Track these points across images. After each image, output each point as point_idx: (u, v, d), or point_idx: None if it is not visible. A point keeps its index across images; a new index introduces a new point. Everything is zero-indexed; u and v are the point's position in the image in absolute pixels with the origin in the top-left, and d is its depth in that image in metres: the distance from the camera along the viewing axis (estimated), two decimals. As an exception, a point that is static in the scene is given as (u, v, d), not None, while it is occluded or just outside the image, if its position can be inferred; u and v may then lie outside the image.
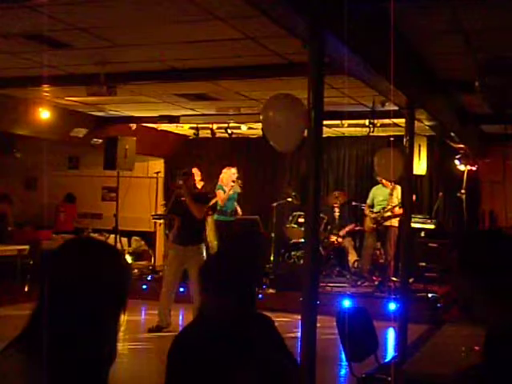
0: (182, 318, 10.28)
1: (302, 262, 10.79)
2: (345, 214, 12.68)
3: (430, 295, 10.26)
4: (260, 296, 10.05)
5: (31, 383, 1.79)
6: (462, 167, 12.15)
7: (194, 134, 13.15)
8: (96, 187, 15.36)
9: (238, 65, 7.92)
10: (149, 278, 11.92)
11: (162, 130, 13.43)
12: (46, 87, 9.51)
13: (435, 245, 11.67)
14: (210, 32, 6.47)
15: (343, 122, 11.30)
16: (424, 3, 5.22)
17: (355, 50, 4.87)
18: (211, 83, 8.92)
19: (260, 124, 8.23)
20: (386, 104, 8.98)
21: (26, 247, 12.08)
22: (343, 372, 7.36)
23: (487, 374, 2.19)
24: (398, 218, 11.28)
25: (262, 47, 6.97)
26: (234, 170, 11.51)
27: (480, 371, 2.21)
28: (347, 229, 12.40)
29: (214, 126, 12.78)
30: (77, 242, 2.07)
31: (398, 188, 11.32)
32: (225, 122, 12.34)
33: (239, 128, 12.70)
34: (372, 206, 11.69)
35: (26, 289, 11.02)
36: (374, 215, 11.49)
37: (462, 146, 11.46)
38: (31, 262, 11.77)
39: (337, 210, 12.27)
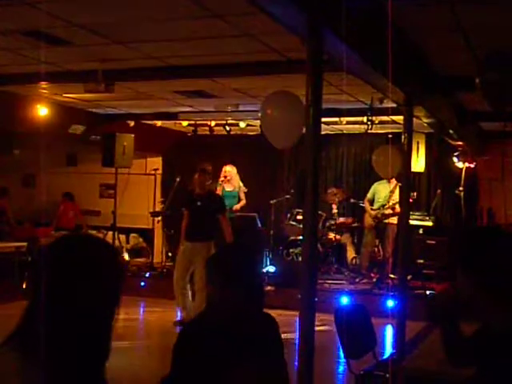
0: (179, 315, 10.29)
1: (300, 258, 10.81)
2: (343, 212, 12.68)
3: (428, 292, 10.27)
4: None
5: (27, 382, 1.78)
6: (460, 164, 12.16)
7: (193, 131, 13.16)
8: (94, 184, 15.35)
9: (236, 62, 7.91)
10: (147, 275, 11.92)
11: (160, 127, 13.42)
12: (43, 84, 9.50)
13: (433, 242, 11.69)
14: (208, 29, 6.46)
15: (341, 119, 11.30)
16: (422, 0, 5.22)
17: (354, 47, 4.87)
18: (209, 80, 8.92)
19: (258, 121, 8.25)
20: (384, 101, 8.97)
21: (24, 244, 12.07)
22: (341, 369, 7.37)
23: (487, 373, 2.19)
24: (397, 216, 11.28)
25: (261, 44, 6.97)
26: (227, 168, 11.50)
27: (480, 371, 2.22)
28: (342, 220, 12.38)
29: (213, 123, 12.79)
30: (73, 238, 2.06)
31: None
32: (223, 119, 12.34)
33: (237, 125, 12.70)
34: (372, 202, 11.67)
35: (24, 286, 11.02)
36: (374, 212, 11.49)
37: (460, 143, 11.47)
38: (29, 260, 11.76)
39: (335, 207, 12.27)
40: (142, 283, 11.63)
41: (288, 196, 12.26)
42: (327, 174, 13.87)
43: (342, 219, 12.36)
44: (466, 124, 10.81)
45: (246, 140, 13.89)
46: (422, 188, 13.34)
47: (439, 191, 12.41)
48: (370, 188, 11.90)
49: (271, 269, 11.49)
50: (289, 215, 12.51)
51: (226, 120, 12.33)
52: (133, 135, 12.33)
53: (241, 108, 11.13)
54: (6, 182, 14.50)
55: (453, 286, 2.53)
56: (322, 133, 4.56)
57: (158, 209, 13.32)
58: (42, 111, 10.87)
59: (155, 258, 13.15)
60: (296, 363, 4.03)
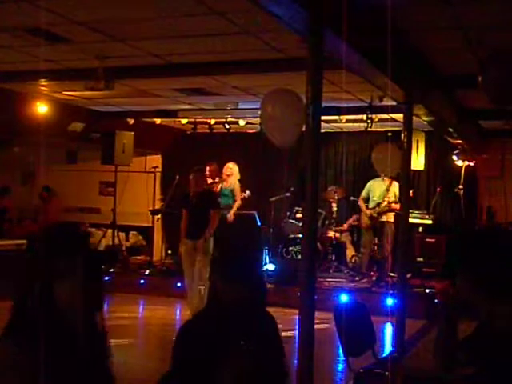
0: (179, 312, 10.30)
1: (299, 256, 10.81)
2: (343, 209, 12.68)
3: (427, 290, 10.28)
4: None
5: (23, 373, 1.80)
6: (459, 162, 12.17)
7: (192, 128, 13.15)
8: (94, 182, 15.35)
9: (236, 59, 7.91)
10: (146, 273, 11.92)
11: (159, 125, 13.41)
12: (43, 81, 9.49)
13: (433, 240, 11.69)
14: (208, 26, 6.45)
15: (341, 117, 11.29)
16: (422, -1, 5.22)
17: (354, 45, 4.88)
18: (209, 78, 8.91)
19: (258, 119, 8.25)
20: (384, 99, 8.98)
21: (24, 242, 12.06)
22: (341, 367, 7.37)
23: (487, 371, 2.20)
24: (393, 213, 11.29)
25: (261, 42, 6.96)
26: (230, 165, 11.48)
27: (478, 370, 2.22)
28: (350, 221, 12.41)
29: (212, 121, 12.78)
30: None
31: (396, 184, 11.32)
32: (223, 117, 12.34)
33: (237, 123, 12.69)
34: (367, 200, 11.65)
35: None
36: (369, 212, 11.47)
37: (459, 141, 11.47)
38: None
39: (334, 205, 12.27)
40: (142, 281, 11.63)
41: (288, 194, 12.25)
42: (327, 172, 13.86)
43: (350, 220, 12.37)
44: (466, 122, 10.82)
45: (246, 138, 13.89)
46: (421, 186, 13.33)
47: (439, 189, 12.41)
48: (366, 185, 11.86)
49: (271, 267, 11.49)
50: (288, 213, 12.51)
51: (226, 118, 12.32)
52: (132, 133, 12.34)
53: (240, 106, 11.13)
54: (5, 179, 14.50)
55: (452, 284, 2.53)
56: (322, 131, 4.57)
57: (157, 206, 13.32)
58: (42, 109, 10.87)
59: (155, 255, 13.15)
60: (296, 361, 4.04)
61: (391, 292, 9.75)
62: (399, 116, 8.92)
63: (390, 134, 11.65)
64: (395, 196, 11.24)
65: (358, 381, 5.47)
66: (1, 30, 6.84)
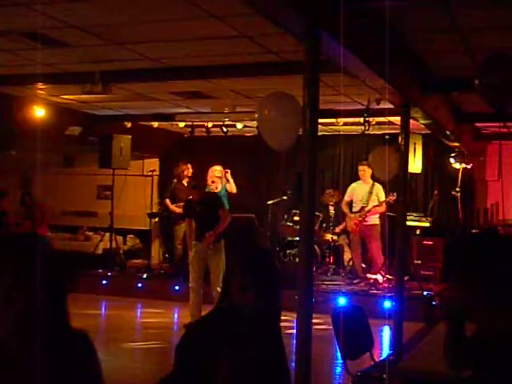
0: (176, 316, 10.29)
1: (297, 259, 10.82)
2: (340, 213, 12.67)
3: (425, 293, 10.28)
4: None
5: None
6: (457, 165, 12.18)
7: (189, 132, 13.15)
8: (91, 185, 15.34)
9: (233, 63, 7.92)
10: (144, 277, 11.91)
11: (157, 128, 13.41)
12: (41, 85, 9.49)
13: (430, 243, 11.71)
14: (205, 30, 6.46)
15: (338, 120, 11.30)
16: (420, 1, 5.23)
17: (351, 48, 4.88)
18: (206, 81, 8.92)
19: (255, 122, 8.25)
20: (381, 102, 8.98)
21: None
22: (338, 370, 7.36)
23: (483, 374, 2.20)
24: (378, 216, 11.32)
25: (258, 45, 6.97)
26: (216, 167, 11.38)
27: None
28: (340, 227, 12.39)
29: (210, 124, 12.78)
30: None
31: (378, 186, 11.35)
32: (220, 120, 12.34)
33: (234, 126, 12.69)
34: (351, 204, 11.65)
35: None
36: (353, 215, 11.46)
37: (457, 144, 11.48)
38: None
39: (332, 208, 12.27)
40: (139, 284, 11.62)
41: (285, 197, 12.25)
42: (324, 175, 13.87)
43: (339, 227, 12.35)
44: (463, 125, 10.83)
45: (243, 141, 13.89)
46: (418, 189, 13.36)
47: (436, 192, 12.42)
48: (348, 189, 11.86)
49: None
50: (286, 216, 12.51)
51: (223, 121, 12.32)
52: (130, 136, 12.33)
53: (238, 109, 11.13)
54: (3, 183, 14.49)
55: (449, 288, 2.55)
56: (319, 134, 4.57)
57: (155, 210, 13.32)
58: (39, 112, 10.86)
59: (152, 259, 13.15)
60: (293, 364, 4.03)
61: (389, 295, 9.75)
62: (396, 119, 8.94)
63: (387, 137, 11.66)
64: (378, 199, 11.27)
65: (355, 384, 5.47)
66: (-2, 33, 6.85)
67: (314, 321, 4.37)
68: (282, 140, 6.33)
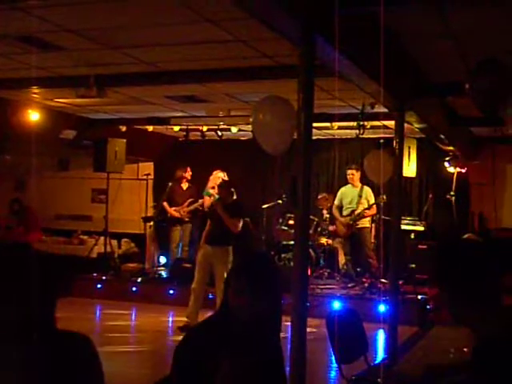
0: (171, 320, 10.28)
1: (292, 263, 10.81)
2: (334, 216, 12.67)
3: (419, 297, 10.29)
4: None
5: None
6: (451, 169, 12.21)
7: (184, 135, 13.15)
8: (86, 189, 15.31)
9: (228, 67, 7.92)
10: (138, 281, 11.89)
11: (151, 132, 13.41)
12: (35, 89, 9.48)
13: (425, 246, 11.72)
14: (200, 34, 6.47)
15: (333, 124, 11.32)
16: (414, 6, 5.24)
17: (346, 52, 4.89)
18: (201, 85, 8.92)
19: (250, 126, 8.24)
20: (376, 106, 9.00)
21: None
22: (333, 374, 7.36)
23: (476, 375, 2.21)
24: (369, 219, 11.34)
25: (253, 49, 6.98)
26: (220, 174, 11.41)
27: (467, 374, 2.24)
28: (333, 228, 12.39)
29: (204, 128, 12.78)
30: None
31: (367, 189, 11.38)
32: (215, 124, 12.34)
33: (229, 130, 12.69)
34: (341, 208, 11.68)
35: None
36: (343, 219, 11.48)
37: (451, 148, 11.51)
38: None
39: (326, 212, 12.28)
40: (134, 288, 11.60)
41: (280, 201, 12.26)
42: (319, 179, 13.88)
43: (332, 227, 12.33)
44: (457, 129, 10.86)
45: (238, 145, 13.89)
46: (413, 193, 13.38)
47: (431, 196, 12.44)
48: (337, 193, 11.88)
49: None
50: (281, 220, 12.51)
51: (218, 125, 12.33)
52: (124, 140, 12.33)
53: (232, 113, 11.14)
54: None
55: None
56: (314, 138, 4.58)
57: (149, 214, 13.30)
58: (34, 116, 10.85)
59: (147, 263, 13.12)
60: (288, 368, 4.03)
61: (383, 298, 9.76)
62: (391, 123, 8.95)
63: (381, 140, 11.68)
64: (368, 202, 11.30)
65: (350, 388, 5.47)
66: (-8, 37, 6.84)
67: (308, 325, 4.37)
68: (277, 144, 6.33)
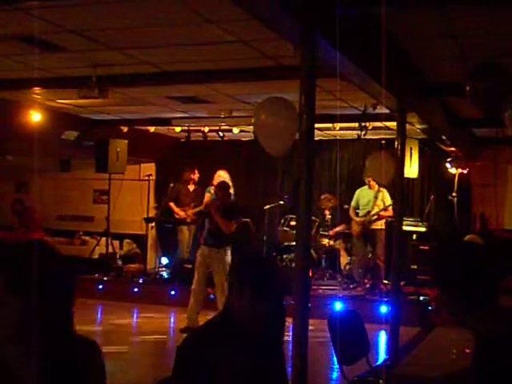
0: (173, 320, 10.28)
1: (293, 264, 10.81)
2: (336, 217, 12.67)
3: (421, 298, 10.28)
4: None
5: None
6: (453, 170, 12.20)
7: (186, 136, 13.15)
8: (87, 190, 15.32)
9: (229, 68, 7.92)
10: (140, 281, 11.89)
11: (153, 133, 13.41)
12: (37, 90, 9.49)
13: (426, 247, 11.70)
14: (202, 35, 6.46)
15: (335, 125, 11.31)
16: (415, 8, 5.24)
17: (347, 53, 4.89)
18: (203, 86, 8.92)
19: (252, 127, 8.24)
20: (378, 107, 9.00)
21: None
22: (335, 375, 7.36)
23: (478, 376, 2.21)
24: (384, 220, 11.33)
25: (254, 50, 6.98)
26: (221, 173, 11.48)
27: (469, 375, 2.24)
28: (337, 229, 12.39)
29: (206, 129, 12.79)
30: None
31: (384, 191, 11.36)
32: (216, 125, 12.35)
33: (231, 131, 12.70)
34: (357, 208, 11.69)
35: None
36: (359, 219, 11.49)
37: (453, 149, 11.50)
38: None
39: (328, 212, 12.27)
40: (136, 289, 11.61)
41: (282, 202, 12.26)
42: (321, 180, 13.87)
43: (337, 228, 12.34)
44: (459, 130, 10.85)
45: (240, 146, 13.90)
46: (415, 194, 13.37)
47: (432, 197, 12.44)
48: (354, 194, 11.90)
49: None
50: (282, 221, 12.51)
51: (220, 126, 12.33)
52: (126, 141, 12.33)
53: (234, 114, 11.14)
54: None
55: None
56: (316, 138, 4.58)
57: (151, 215, 13.31)
58: (36, 117, 10.85)
59: (148, 263, 13.13)
60: (290, 369, 4.03)
61: (385, 300, 9.76)
62: (393, 124, 8.95)
63: (383, 141, 11.68)
64: (384, 203, 11.28)
65: (352, 389, 5.47)
66: (-6, 38, 6.85)
67: (310, 326, 4.37)
68: (279, 145, 6.33)
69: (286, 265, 11.86)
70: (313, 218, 10.38)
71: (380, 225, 11.35)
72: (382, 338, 8.87)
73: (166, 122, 12.37)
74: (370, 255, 11.54)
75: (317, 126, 5.38)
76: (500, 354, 2.23)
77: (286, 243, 12.14)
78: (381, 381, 5.64)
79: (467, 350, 4.53)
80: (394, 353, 7.26)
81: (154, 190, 13.93)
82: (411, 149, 11.36)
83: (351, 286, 11.43)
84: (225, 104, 10.43)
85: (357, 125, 10.66)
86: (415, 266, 11.41)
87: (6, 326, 1.81)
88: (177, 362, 2.78)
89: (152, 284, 11.87)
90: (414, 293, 10.42)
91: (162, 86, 8.89)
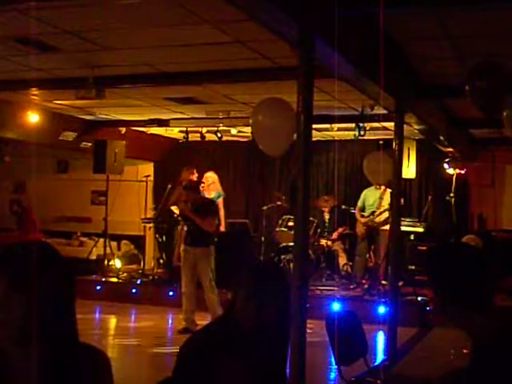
0: (170, 321, 10.27)
1: (291, 265, 10.82)
2: (334, 218, 12.67)
3: (419, 298, 10.28)
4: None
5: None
6: (450, 171, 12.21)
7: (184, 137, 13.14)
8: (85, 191, 15.30)
9: (227, 68, 7.92)
10: (138, 282, 11.89)
11: (151, 134, 13.41)
12: (34, 91, 9.48)
13: (424, 248, 11.70)
14: (199, 36, 6.47)
15: (333, 125, 11.31)
16: (413, 9, 5.25)
17: (345, 54, 4.89)
18: (201, 87, 8.92)
19: (250, 127, 8.25)
20: (375, 107, 9.00)
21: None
22: (333, 375, 7.36)
23: (474, 378, 2.21)
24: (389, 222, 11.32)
25: (252, 51, 6.98)
26: (209, 174, 11.53)
27: (467, 375, 2.24)
28: (340, 230, 12.39)
29: (204, 130, 12.78)
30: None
31: (390, 192, 11.34)
32: (214, 126, 12.34)
33: (229, 132, 12.70)
34: (363, 209, 11.70)
35: None
36: (364, 220, 11.50)
37: (450, 149, 11.51)
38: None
39: (326, 213, 12.27)
40: (134, 290, 11.60)
41: (279, 202, 12.26)
42: (318, 181, 13.88)
43: (340, 229, 12.33)
44: (457, 130, 10.86)
45: (238, 146, 13.90)
46: (413, 194, 13.38)
47: (430, 197, 12.44)
48: (361, 194, 11.92)
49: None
50: (280, 222, 12.51)
51: (218, 127, 12.32)
52: (124, 142, 12.33)
53: (232, 115, 11.14)
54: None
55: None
56: (313, 139, 4.58)
57: (149, 215, 13.30)
58: (33, 118, 10.84)
59: (147, 264, 13.12)
60: (288, 369, 4.03)
61: (383, 300, 9.75)
62: (390, 124, 8.95)
63: (381, 142, 11.68)
64: (389, 204, 11.26)
65: (350, 389, 5.47)
66: (-9, 39, 6.84)
67: (308, 326, 4.37)
68: (276, 145, 6.34)
69: (283, 265, 11.85)
70: (311, 218, 10.38)
71: (385, 226, 11.35)
72: (380, 338, 8.87)
73: (164, 122, 12.36)
74: (372, 256, 11.54)
75: (314, 126, 5.39)
76: (496, 354, 2.24)
77: (283, 244, 12.13)
78: (379, 381, 5.65)
79: (465, 351, 4.53)
80: (391, 353, 7.26)
81: (152, 191, 13.93)
82: (409, 149, 11.36)
83: (351, 287, 11.43)
84: (223, 105, 10.43)
85: (352, 125, 10.67)
86: (413, 267, 11.42)
87: (8, 327, 1.81)
88: (178, 363, 2.78)
89: (150, 285, 11.85)
90: (412, 293, 10.41)
91: (159, 86, 8.89)
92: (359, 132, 10.67)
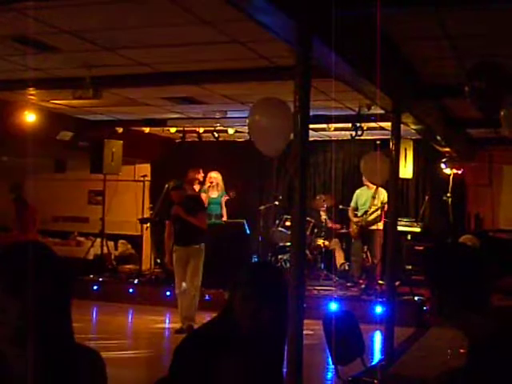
0: (168, 321, 10.27)
1: (289, 265, 10.82)
2: (331, 218, 12.69)
3: (416, 298, 10.29)
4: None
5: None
6: (448, 170, 12.22)
7: (181, 137, 13.14)
8: (82, 191, 15.28)
9: (225, 68, 7.92)
10: (135, 282, 11.88)
11: (148, 134, 13.40)
12: (31, 90, 9.47)
13: (421, 248, 11.73)
14: (197, 35, 6.46)
15: (330, 125, 11.32)
16: (411, 9, 5.25)
17: (342, 54, 4.89)
18: (198, 86, 8.92)
19: (247, 127, 8.25)
20: (373, 107, 9.01)
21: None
22: (330, 375, 7.36)
23: (470, 377, 2.22)
24: (382, 221, 11.34)
25: (250, 51, 6.98)
26: (213, 174, 11.63)
27: (463, 374, 2.25)
28: (338, 226, 12.39)
29: (201, 130, 12.78)
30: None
31: (382, 191, 11.36)
32: (211, 126, 12.34)
33: (226, 131, 12.70)
34: (356, 209, 11.72)
35: None
36: (356, 219, 11.51)
37: (447, 149, 11.52)
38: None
39: (323, 213, 12.28)
40: (131, 290, 11.60)
41: (276, 202, 12.26)
42: (315, 181, 13.89)
43: (330, 224, 12.35)
44: (454, 131, 10.87)
45: (235, 146, 13.89)
46: (410, 194, 13.39)
47: (427, 197, 12.45)
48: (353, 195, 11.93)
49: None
50: (277, 222, 12.51)
51: (215, 126, 12.32)
52: (121, 142, 12.33)
53: (229, 114, 11.14)
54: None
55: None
56: (310, 139, 4.58)
57: (146, 215, 13.29)
58: (30, 117, 10.83)
59: (143, 264, 13.11)
60: (285, 369, 4.03)
61: (380, 300, 9.76)
62: (387, 124, 8.96)
63: (378, 142, 11.69)
64: (382, 203, 11.28)
65: (347, 389, 5.47)
66: (-11, 38, 6.83)
67: (305, 326, 4.37)
68: (273, 145, 6.33)
69: (280, 265, 11.86)
70: (308, 218, 10.38)
71: (378, 225, 11.36)
72: (377, 338, 8.88)
73: (161, 122, 12.37)
74: (368, 256, 11.55)
75: (311, 126, 5.39)
76: (493, 354, 2.24)
77: (281, 244, 12.14)
78: (376, 381, 5.66)
79: (462, 351, 4.54)
80: (388, 353, 7.27)
81: (149, 191, 13.92)
82: (406, 149, 11.36)
83: (348, 285, 11.44)
84: (220, 104, 10.43)
85: (349, 125, 10.67)
86: (410, 267, 11.44)
87: (5, 327, 1.80)
88: (174, 362, 2.77)
89: (147, 285, 11.85)
90: (409, 293, 10.42)
91: (156, 86, 8.89)
92: (356, 132, 10.67)
